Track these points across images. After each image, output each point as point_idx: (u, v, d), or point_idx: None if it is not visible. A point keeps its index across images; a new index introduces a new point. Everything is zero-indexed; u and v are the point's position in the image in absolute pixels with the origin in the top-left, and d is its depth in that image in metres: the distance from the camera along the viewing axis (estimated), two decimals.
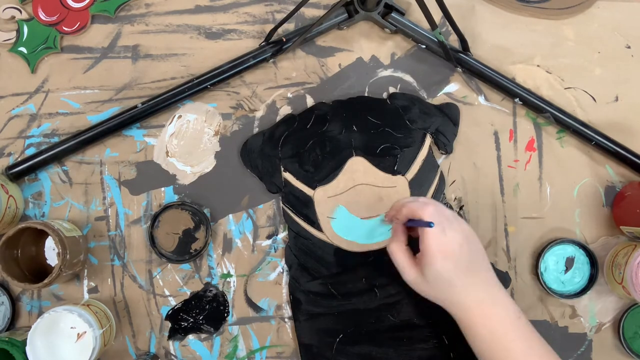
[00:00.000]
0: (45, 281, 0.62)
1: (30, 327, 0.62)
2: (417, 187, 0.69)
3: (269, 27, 0.71)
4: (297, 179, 0.69)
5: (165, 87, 0.71)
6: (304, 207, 0.69)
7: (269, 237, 0.70)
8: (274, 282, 0.70)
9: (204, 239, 0.69)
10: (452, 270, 0.55)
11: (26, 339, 0.61)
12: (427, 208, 0.56)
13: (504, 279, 0.70)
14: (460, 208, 0.71)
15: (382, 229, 0.68)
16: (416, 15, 0.72)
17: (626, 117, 0.72)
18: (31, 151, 0.70)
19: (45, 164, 0.69)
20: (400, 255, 0.59)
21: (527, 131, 0.72)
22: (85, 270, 0.70)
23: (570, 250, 0.70)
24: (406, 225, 0.60)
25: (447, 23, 0.68)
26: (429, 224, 0.55)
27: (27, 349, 0.61)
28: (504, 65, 0.72)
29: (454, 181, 0.71)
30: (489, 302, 0.57)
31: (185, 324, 0.69)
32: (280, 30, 0.71)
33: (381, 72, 0.72)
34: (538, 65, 0.73)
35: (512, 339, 0.55)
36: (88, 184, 0.71)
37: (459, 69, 0.71)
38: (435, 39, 0.70)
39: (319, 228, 0.69)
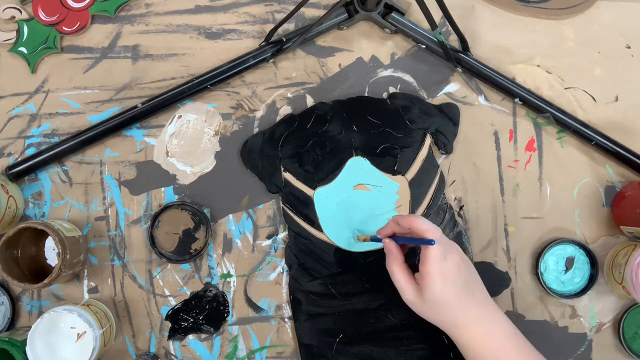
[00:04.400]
0: (45, 281, 0.62)
1: (30, 327, 0.62)
2: (417, 187, 0.69)
3: (269, 27, 0.71)
4: (297, 179, 0.69)
5: (165, 87, 0.71)
6: (304, 207, 0.69)
7: (269, 237, 0.70)
8: (274, 282, 0.70)
9: (204, 239, 0.69)
10: (450, 292, 0.56)
11: (26, 339, 0.61)
12: (437, 231, 0.57)
13: (503, 279, 0.70)
14: (460, 208, 0.71)
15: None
16: (416, 15, 0.72)
17: (626, 117, 0.72)
18: (31, 151, 0.70)
19: (45, 164, 0.69)
20: (400, 276, 0.59)
21: (527, 131, 0.72)
22: (85, 270, 0.70)
23: (570, 250, 0.70)
24: (400, 243, 0.60)
25: (447, 23, 0.68)
26: (430, 242, 0.55)
27: (27, 349, 0.61)
28: (504, 65, 0.72)
29: (454, 181, 0.71)
30: (487, 321, 0.58)
31: (185, 324, 0.69)
32: (280, 30, 0.71)
33: (381, 72, 0.72)
34: (538, 65, 0.73)
35: (512, 357, 0.56)
36: (88, 184, 0.71)
37: (459, 69, 0.71)
38: (435, 39, 0.70)
39: (319, 228, 0.69)
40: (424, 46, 0.71)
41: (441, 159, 0.71)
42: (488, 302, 0.59)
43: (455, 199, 0.71)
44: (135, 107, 0.69)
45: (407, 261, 0.60)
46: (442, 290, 0.56)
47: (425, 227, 0.57)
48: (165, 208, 0.68)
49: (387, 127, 0.70)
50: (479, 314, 0.57)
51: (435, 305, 0.57)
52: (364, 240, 0.66)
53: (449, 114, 0.71)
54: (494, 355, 0.56)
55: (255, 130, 0.71)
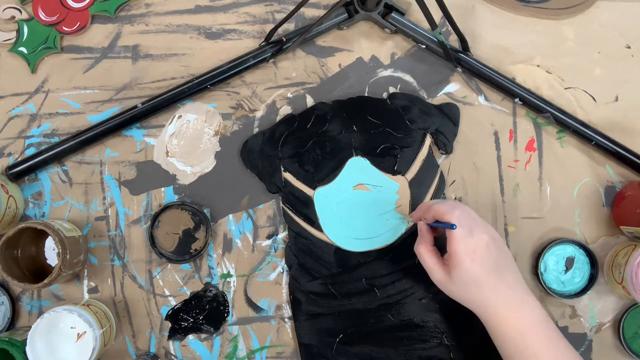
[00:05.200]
0: (45, 281, 0.62)
1: (30, 327, 0.62)
2: (417, 187, 0.69)
3: (269, 27, 0.71)
4: (297, 179, 0.69)
5: (165, 87, 0.71)
6: (304, 207, 0.69)
7: (269, 237, 0.70)
8: (274, 282, 0.70)
9: (204, 239, 0.69)
10: (479, 271, 0.56)
11: (26, 339, 0.61)
12: (454, 212, 0.57)
13: None
14: (451, 227, 0.70)
15: (380, 230, 0.68)
16: (416, 15, 0.72)
17: (626, 117, 0.72)
18: (31, 151, 0.70)
19: (45, 164, 0.69)
20: (428, 257, 0.59)
21: (527, 131, 0.72)
22: (85, 270, 0.70)
23: (570, 250, 0.70)
24: (430, 225, 0.61)
25: (447, 23, 0.68)
26: (452, 226, 0.56)
27: (27, 349, 0.61)
28: (504, 65, 0.72)
29: (454, 181, 0.71)
30: (517, 303, 0.57)
31: (185, 324, 0.69)
32: (280, 30, 0.71)
33: (381, 72, 0.72)
34: (538, 65, 0.73)
35: (540, 342, 0.56)
36: (88, 184, 0.71)
37: (459, 69, 0.71)
38: (435, 39, 0.70)
39: (319, 228, 0.69)
40: (424, 46, 0.71)
41: (441, 159, 0.71)
42: (520, 284, 0.58)
43: (455, 199, 0.71)
44: (135, 107, 0.69)
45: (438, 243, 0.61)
46: (470, 269, 0.55)
47: (443, 210, 0.57)
48: (165, 208, 0.68)
49: (387, 127, 0.70)
50: (510, 296, 0.57)
51: (464, 285, 0.57)
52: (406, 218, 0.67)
53: (449, 114, 0.71)
54: (524, 339, 0.56)
55: (255, 130, 0.71)
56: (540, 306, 0.58)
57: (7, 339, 0.61)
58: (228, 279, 0.70)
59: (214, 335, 0.69)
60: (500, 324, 0.57)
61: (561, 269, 0.70)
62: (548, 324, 0.57)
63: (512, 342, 0.56)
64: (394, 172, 0.69)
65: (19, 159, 0.70)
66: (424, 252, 0.60)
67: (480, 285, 0.56)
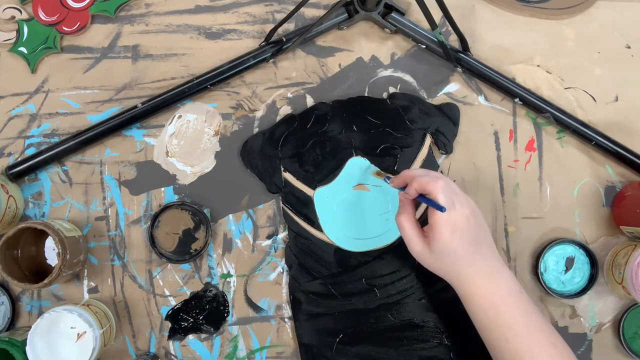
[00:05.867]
0: (45, 281, 0.62)
1: (30, 327, 0.62)
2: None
3: (269, 27, 0.71)
4: (297, 179, 0.69)
5: (165, 87, 0.71)
6: (304, 207, 0.69)
7: (269, 237, 0.70)
8: (274, 282, 0.70)
9: (204, 239, 0.69)
10: (458, 243, 0.56)
11: (26, 339, 0.61)
12: (437, 182, 0.57)
13: None
14: (440, 209, 0.70)
15: (380, 230, 0.68)
16: (416, 15, 0.72)
17: (626, 117, 0.72)
18: (31, 151, 0.70)
19: (45, 164, 0.69)
20: (408, 227, 0.60)
21: (527, 131, 0.72)
22: (85, 270, 0.70)
23: (570, 250, 0.70)
24: (417, 200, 0.61)
25: (447, 23, 0.68)
26: (441, 209, 0.56)
27: (27, 349, 0.61)
28: (504, 65, 0.72)
29: (454, 181, 0.71)
30: (492, 274, 0.57)
31: (185, 324, 0.69)
32: (280, 30, 0.71)
33: (381, 72, 0.72)
34: (538, 65, 0.73)
35: (513, 312, 0.56)
36: (88, 184, 0.71)
37: (459, 69, 0.71)
38: (435, 39, 0.70)
39: (319, 228, 0.69)
40: (424, 46, 0.71)
41: (441, 159, 0.71)
42: (496, 258, 0.59)
43: None
44: (135, 107, 0.69)
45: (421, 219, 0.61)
46: (450, 240, 0.56)
47: (426, 180, 0.57)
48: (165, 208, 0.68)
49: (387, 127, 0.70)
50: (485, 267, 0.57)
51: (442, 256, 0.57)
52: (377, 175, 0.66)
53: (449, 114, 0.71)
54: (496, 308, 0.56)
55: (255, 130, 0.71)
56: (515, 279, 0.58)
57: (7, 339, 0.61)
58: (228, 279, 0.70)
59: (214, 335, 0.69)
60: (475, 295, 0.57)
61: (561, 269, 0.70)
62: (521, 295, 0.57)
63: (485, 313, 0.57)
64: (394, 172, 0.69)
65: (19, 159, 0.70)
66: (405, 222, 0.60)
67: (457, 256, 0.57)
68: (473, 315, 0.58)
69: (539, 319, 0.56)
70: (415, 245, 0.59)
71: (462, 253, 0.57)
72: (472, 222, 0.57)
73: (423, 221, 0.65)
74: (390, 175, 0.64)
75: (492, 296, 0.57)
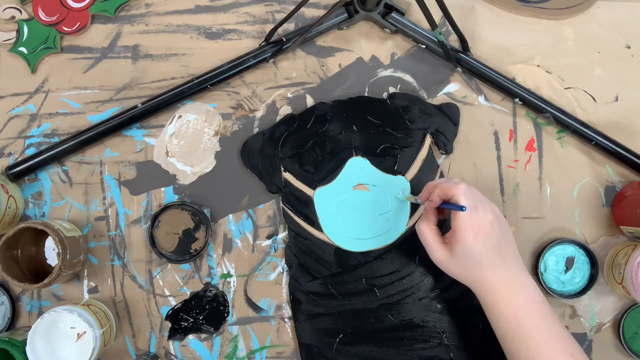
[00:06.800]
0: (45, 281, 0.62)
1: (30, 327, 0.62)
2: (417, 187, 0.69)
3: (269, 27, 0.71)
4: (297, 179, 0.69)
5: (165, 87, 0.71)
6: (304, 207, 0.69)
7: (269, 237, 0.70)
8: (274, 282, 0.70)
9: (204, 239, 0.69)
10: (481, 248, 0.56)
11: (26, 339, 0.61)
12: (459, 186, 0.57)
13: None
14: (461, 208, 0.70)
15: (380, 230, 0.68)
16: (416, 15, 0.72)
17: (626, 117, 0.72)
18: (31, 151, 0.70)
19: (45, 164, 0.69)
20: (429, 234, 0.60)
21: (527, 131, 0.72)
22: (85, 270, 0.70)
23: (570, 250, 0.70)
24: (440, 207, 0.61)
25: (447, 23, 0.68)
26: (461, 208, 0.56)
27: (27, 349, 0.61)
28: (504, 65, 0.72)
29: None
30: (515, 283, 0.57)
31: (185, 324, 0.69)
32: (280, 30, 0.71)
33: (381, 72, 0.72)
34: (538, 65, 0.73)
35: (534, 322, 0.56)
36: (88, 184, 0.71)
37: (459, 69, 0.71)
38: (435, 39, 0.70)
39: (319, 228, 0.69)
40: (424, 46, 0.71)
41: (441, 159, 0.71)
42: (519, 266, 0.59)
43: None
44: (135, 107, 0.69)
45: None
46: (473, 245, 0.56)
47: (448, 185, 0.58)
48: (165, 208, 0.68)
49: (387, 127, 0.70)
50: (508, 276, 0.57)
51: (464, 261, 0.57)
52: (410, 199, 0.67)
53: (449, 114, 0.71)
54: (517, 318, 0.56)
55: (255, 130, 0.71)
56: (537, 289, 0.58)
57: (7, 339, 0.61)
58: (228, 279, 0.70)
59: (214, 335, 0.69)
60: (496, 303, 0.57)
61: (561, 269, 0.70)
62: (542, 305, 0.57)
63: (506, 321, 0.57)
64: (394, 172, 0.69)
65: (19, 159, 0.70)
66: (426, 229, 0.60)
67: (480, 262, 0.57)
68: (494, 322, 0.58)
69: (559, 329, 0.56)
70: (436, 252, 0.59)
71: (485, 259, 0.56)
72: (497, 229, 0.57)
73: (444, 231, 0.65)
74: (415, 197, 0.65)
75: (514, 305, 0.56)
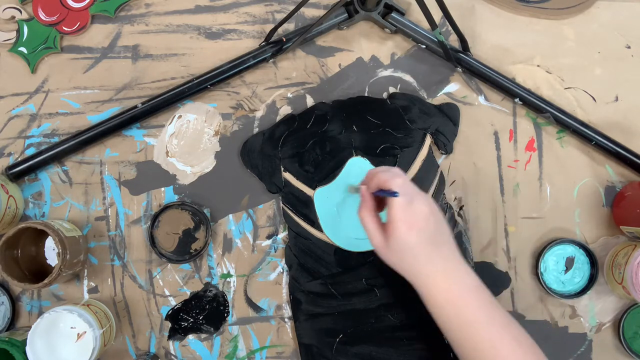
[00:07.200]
0: (45, 281, 0.62)
1: (30, 327, 0.62)
2: (417, 187, 0.69)
3: (269, 27, 0.71)
4: (297, 179, 0.69)
5: (165, 87, 0.71)
6: (304, 207, 0.69)
7: (269, 237, 0.70)
8: (274, 282, 0.70)
9: (204, 239, 0.69)
10: (414, 240, 0.56)
11: (26, 339, 0.61)
12: (396, 179, 0.57)
13: (504, 279, 0.70)
14: (460, 208, 0.71)
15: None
16: (416, 15, 0.72)
17: (626, 117, 0.72)
18: (31, 151, 0.70)
19: (45, 164, 0.69)
20: (369, 221, 0.59)
21: (527, 131, 0.72)
22: (85, 270, 0.70)
23: (570, 250, 0.70)
24: (374, 194, 0.60)
25: (447, 23, 0.68)
26: (394, 194, 0.56)
27: (27, 349, 0.61)
28: (504, 65, 0.72)
29: (454, 181, 0.71)
30: (450, 273, 0.57)
31: (185, 324, 0.69)
32: (280, 30, 0.71)
33: (381, 72, 0.72)
34: (538, 65, 0.73)
35: (472, 309, 0.56)
36: (88, 184, 0.71)
37: (459, 69, 0.71)
38: (435, 39, 0.70)
39: (319, 228, 0.69)
40: (424, 46, 0.71)
41: (441, 159, 0.71)
42: (455, 257, 0.58)
43: (455, 199, 0.71)
44: (135, 107, 0.69)
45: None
46: (406, 237, 0.56)
47: (386, 177, 0.57)
48: (165, 208, 0.68)
49: (387, 127, 0.70)
50: (443, 267, 0.57)
51: (400, 253, 0.57)
52: (356, 191, 0.66)
53: (449, 114, 0.71)
54: (454, 305, 0.56)
55: (255, 130, 0.71)
56: (473, 274, 0.57)
57: (7, 339, 0.61)
58: (228, 279, 0.70)
59: (214, 335, 0.69)
60: (435, 293, 0.57)
61: (561, 269, 0.70)
62: (478, 289, 0.57)
63: (445, 311, 0.56)
64: None
65: (19, 159, 0.70)
66: (366, 216, 0.59)
67: (415, 254, 0.57)
68: (434, 313, 0.58)
69: (501, 315, 0.56)
70: (375, 239, 0.59)
71: (420, 251, 0.56)
72: (432, 221, 0.57)
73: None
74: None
75: (450, 294, 0.56)
